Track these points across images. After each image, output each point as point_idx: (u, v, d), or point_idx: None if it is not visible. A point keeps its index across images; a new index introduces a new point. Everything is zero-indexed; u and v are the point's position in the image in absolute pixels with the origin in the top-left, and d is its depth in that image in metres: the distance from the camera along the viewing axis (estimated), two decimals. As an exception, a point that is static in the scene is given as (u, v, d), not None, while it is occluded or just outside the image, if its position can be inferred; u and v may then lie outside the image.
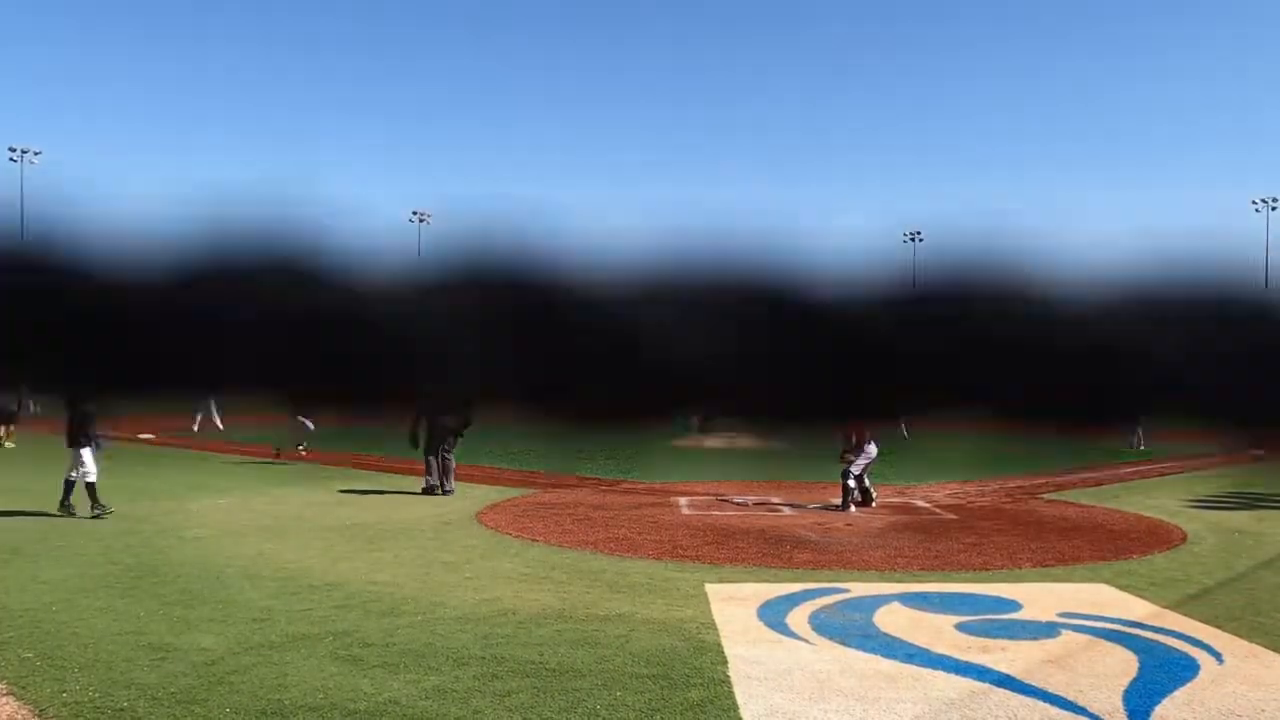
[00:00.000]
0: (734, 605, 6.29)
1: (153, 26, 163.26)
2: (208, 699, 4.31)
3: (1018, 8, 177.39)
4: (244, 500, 11.53)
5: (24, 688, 4.44)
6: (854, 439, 11.46)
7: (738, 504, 11.76)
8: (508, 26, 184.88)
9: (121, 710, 4.16)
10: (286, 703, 4.27)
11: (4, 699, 4.30)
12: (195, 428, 25.39)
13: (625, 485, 13.71)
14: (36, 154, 67.44)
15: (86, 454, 10.04)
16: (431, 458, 12.00)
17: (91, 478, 10.08)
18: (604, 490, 13.07)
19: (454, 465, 12.11)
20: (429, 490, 11.96)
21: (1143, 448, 23.60)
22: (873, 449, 11.55)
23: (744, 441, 23.24)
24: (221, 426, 25.70)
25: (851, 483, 11.42)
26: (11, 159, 66.40)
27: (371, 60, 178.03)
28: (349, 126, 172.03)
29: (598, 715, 4.19)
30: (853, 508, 11.25)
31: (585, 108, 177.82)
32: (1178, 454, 21.74)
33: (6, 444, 20.62)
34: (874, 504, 11.51)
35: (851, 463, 11.45)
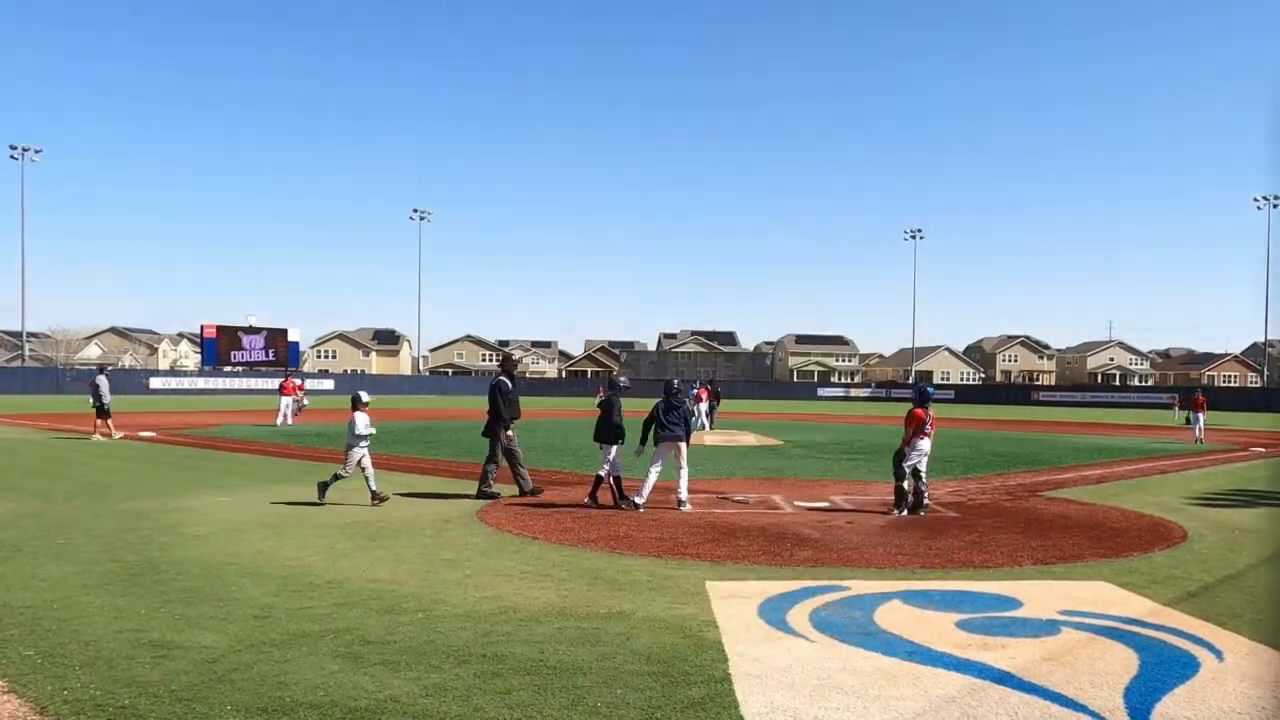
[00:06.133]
0: (735, 603, 6.29)
1: (153, 23, 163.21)
2: (209, 696, 4.31)
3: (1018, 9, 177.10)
4: (244, 497, 11.54)
5: (25, 685, 4.44)
6: (908, 428, 10.67)
7: (738, 501, 11.76)
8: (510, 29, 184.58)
9: (123, 708, 4.16)
10: (287, 700, 4.27)
11: (5, 696, 4.30)
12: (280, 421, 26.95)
13: (625, 483, 13.68)
14: (37, 153, 67.41)
15: (614, 450, 11.33)
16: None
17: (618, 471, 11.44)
18: (604, 488, 13.03)
19: (490, 471, 11.98)
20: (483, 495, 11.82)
21: (1201, 443, 24.51)
22: (924, 444, 10.72)
23: (745, 439, 23.21)
24: (291, 422, 27.04)
25: (906, 484, 10.69)
26: (12, 157, 66.39)
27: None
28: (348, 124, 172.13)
29: (598, 713, 4.19)
30: (903, 511, 10.55)
31: (585, 108, 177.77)
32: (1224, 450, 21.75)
33: (95, 437, 21.27)
34: (923, 511, 10.64)
35: (905, 457, 10.69)
